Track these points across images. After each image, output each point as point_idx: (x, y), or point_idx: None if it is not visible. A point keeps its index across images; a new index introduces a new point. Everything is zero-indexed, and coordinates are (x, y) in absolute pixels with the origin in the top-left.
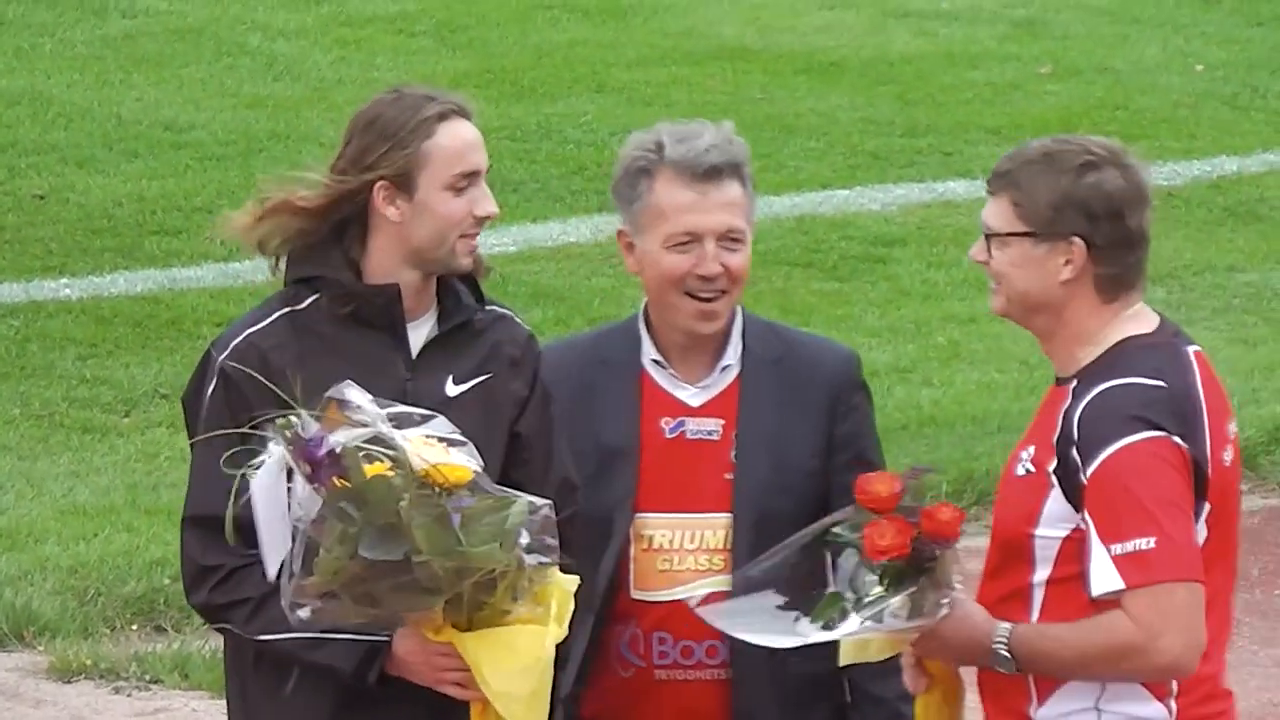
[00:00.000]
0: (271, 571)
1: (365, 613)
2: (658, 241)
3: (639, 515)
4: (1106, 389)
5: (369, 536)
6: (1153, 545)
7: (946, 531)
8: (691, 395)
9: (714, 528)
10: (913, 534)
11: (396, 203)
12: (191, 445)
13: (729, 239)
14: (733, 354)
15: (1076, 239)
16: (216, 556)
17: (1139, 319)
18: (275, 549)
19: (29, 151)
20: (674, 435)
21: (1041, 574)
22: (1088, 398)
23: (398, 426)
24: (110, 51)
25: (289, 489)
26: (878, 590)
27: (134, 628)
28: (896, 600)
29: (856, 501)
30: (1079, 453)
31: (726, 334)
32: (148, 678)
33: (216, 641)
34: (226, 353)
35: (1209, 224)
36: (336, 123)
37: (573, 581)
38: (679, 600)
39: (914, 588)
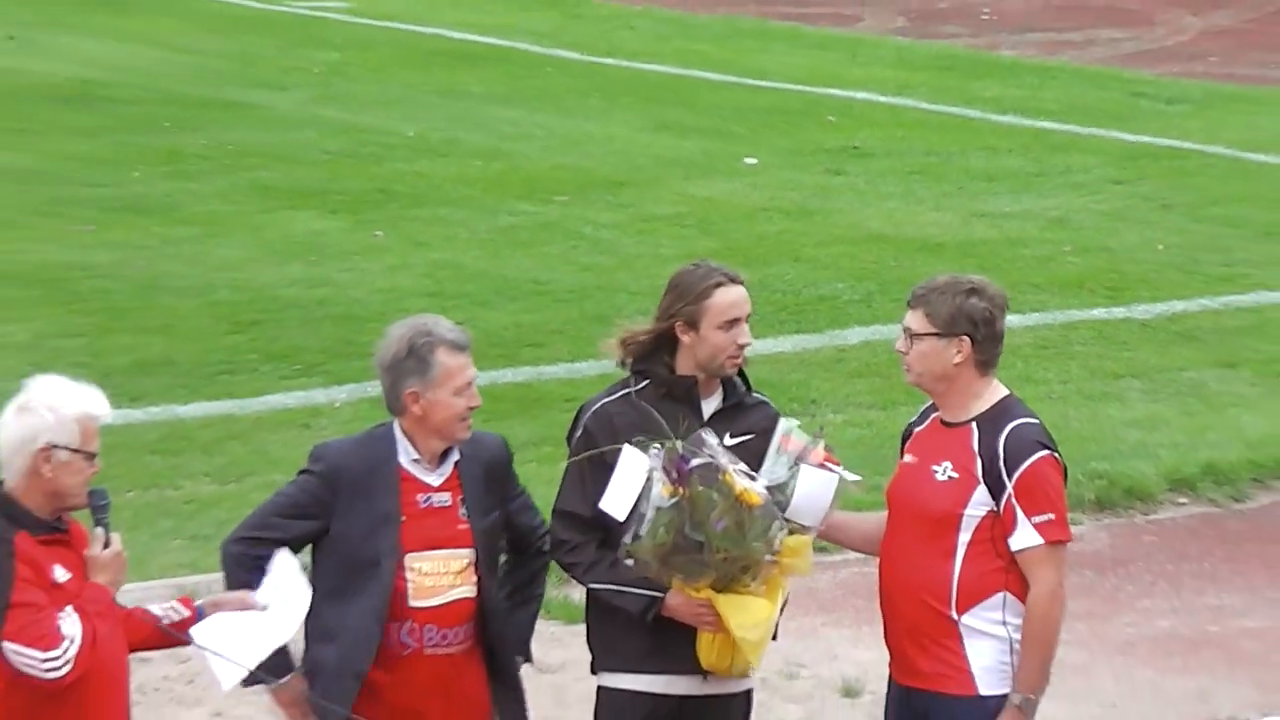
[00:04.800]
0: (620, 516)
1: (664, 573)
2: (447, 391)
3: (409, 554)
4: (1016, 426)
5: (689, 526)
6: (1053, 518)
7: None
8: (433, 478)
9: (459, 558)
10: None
11: (688, 334)
12: (566, 465)
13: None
14: (455, 451)
15: (965, 337)
16: (570, 535)
17: (999, 385)
18: (620, 507)
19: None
20: (425, 506)
21: (964, 537)
22: (1005, 432)
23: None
24: (500, 236)
25: (645, 487)
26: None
27: None
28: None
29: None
30: (1005, 464)
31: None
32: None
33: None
34: (590, 414)
35: None
36: (639, 280)
37: (803, 543)
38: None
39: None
